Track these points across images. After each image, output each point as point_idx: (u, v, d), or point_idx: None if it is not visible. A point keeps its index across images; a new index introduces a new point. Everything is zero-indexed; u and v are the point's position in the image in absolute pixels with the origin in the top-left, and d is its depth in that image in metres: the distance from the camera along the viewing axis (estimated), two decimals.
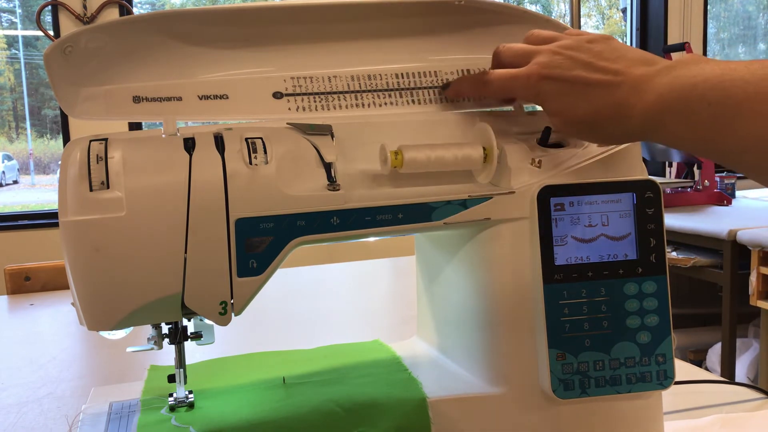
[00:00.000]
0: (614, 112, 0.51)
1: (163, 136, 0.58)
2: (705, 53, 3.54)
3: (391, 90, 0.65)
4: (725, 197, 2.67)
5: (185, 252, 0.53)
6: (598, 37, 0.55)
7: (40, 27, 2.68)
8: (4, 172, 4.20)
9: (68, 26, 2.73)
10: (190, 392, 0.65)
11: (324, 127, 0.59)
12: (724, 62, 0.47)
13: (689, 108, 0.46)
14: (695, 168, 2.73)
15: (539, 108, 0.67)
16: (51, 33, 2.73)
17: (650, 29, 3.55)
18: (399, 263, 1.63)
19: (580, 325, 0.60)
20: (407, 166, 0.57)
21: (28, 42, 3.44)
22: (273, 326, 1.13)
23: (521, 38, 0.59)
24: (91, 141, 0.55)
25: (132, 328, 0.58)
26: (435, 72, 0.66)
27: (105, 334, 0.61)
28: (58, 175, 0.55)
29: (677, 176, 2.88)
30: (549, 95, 0.54)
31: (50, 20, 2.76)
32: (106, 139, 0.55)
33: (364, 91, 0.64)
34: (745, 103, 0.44)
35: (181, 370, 0.63)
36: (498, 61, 0.59)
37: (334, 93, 0.64)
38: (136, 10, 2.88)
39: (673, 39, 3.44)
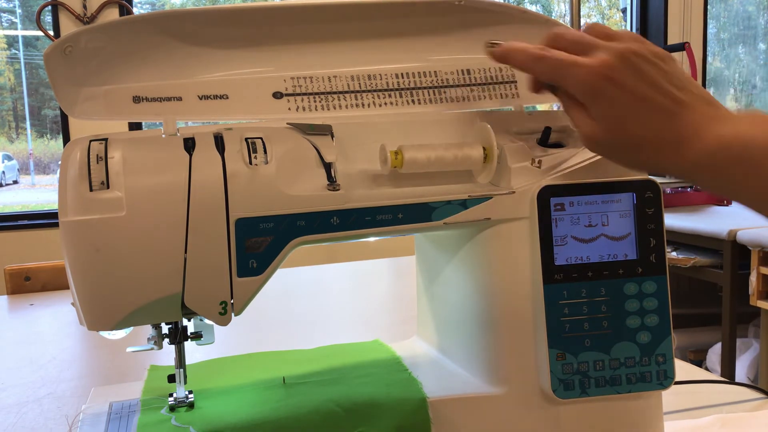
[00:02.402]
0: (668, 143, 0.49)
1: (163, 136, 0.58)
2: (705, 53, 3.54)
3: (391, 90, 0.65)
4: (725, 197, 2.66)
5: (185, 252, 0.53)
6: (664, 54, 0.52)
7: (40, 27, 2.68)
8: (4, 172, 4.20)
9: (68, 26, 2.73)
10: (190, 392, 0.65)
11: (324, 127, 0.59)
12: None
13: (753, 162, 0.45)
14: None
15: (539, 108, 0.67)
16: (51, 33, 2.73)
17: (650, 29, 3.55)
18: (399, 263, 1.63)
19: (580, 325, 0.60)
20: (407, 166, 0.57)
21: (28, 42, 3.44)
22: (273, 326, 1.13)
23: (521, 38, 0.59)
24: (91, 141, 0.55)
25: (132, 328, 0.58)
26: (435, 72, 0.66)
27: (105, 334, 0.61)
28: (58, 175, 0.55)
29: None
30: (605, 99, 0.50)
31: (50, 20, 2.76)
32: (106, 139, 0.55)
33: (364, 91, 0.64)
34: None
35: (181, 370, 0.63)
36: (552, 45, 0.54)
37: (334, 93, 0.64)
38: (136, 10, 2.88)
39: (673, 39, 3.44)
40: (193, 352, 0.73)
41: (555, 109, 0.66)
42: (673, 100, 0.49)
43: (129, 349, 0.66)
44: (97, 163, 0.53)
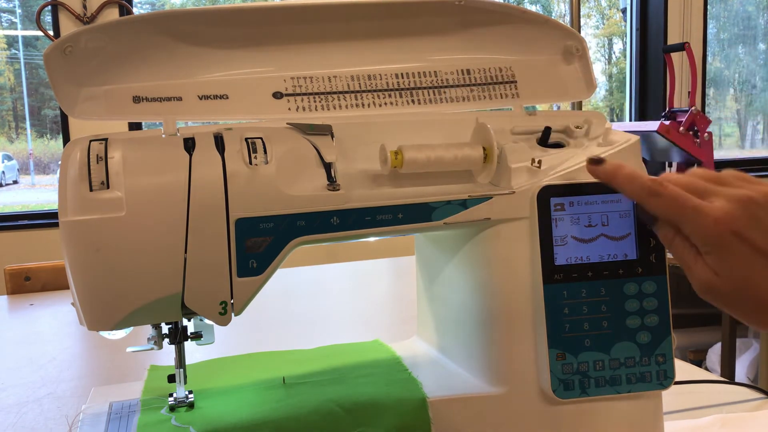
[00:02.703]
0: None
1: (163, 136, 0.58)
2: (705, 53, 3.54)
3: (391, 90, 0.65)
4: None
5: (185, 252, 0.53)
6: None
7: (40, 27, 2.68)
8: (4, 172, 4.20)
9: (68, 26, 2.73)
10: (190, 392, 0.65)
11: (324, 127, 0.59)
12: None
13: None
14: (695, 168, 2.73)
15: (539, 108, 0.67)
16: (51, 33, 2.72)
17: (650, 29, 3.55)
18: (399, 263, 1.63)
19: (580, 325, 0.60)
20: (407, 166, 0.57)
21: (28, 42, 3.44)
22: (273, 326, 1.13)
23: (521, 38, 0.58)
24: (91, 141, 0.55)
25: (132, 328, 0.58)
26: (435, 72, 0.66)
27: (105, 334, 0.61)
28: (58, 175, 0.55)
29: None
30: (732, 254, 0.46)
31: (50, 20, 2.76)
32: (106, 139, 0.55)
33: (364, 91, 0.64)
34: None
35: (181, 370, 0.63)
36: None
37: (334, 93, 0.64)
38: (136, 10, 2.88)
39: (673, 39, 3.44)
40: (193, 352, 0.73)
41: (555, 109, 0.66)
42: None
43: (129, 349, 0.66)
44: (97, 163, 0.53)
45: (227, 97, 0.62)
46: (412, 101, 0.65)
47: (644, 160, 2.58)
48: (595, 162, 0.53)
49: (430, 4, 0.65)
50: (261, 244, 0.55)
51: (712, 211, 0.47)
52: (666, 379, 0.61)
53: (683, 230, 0.49)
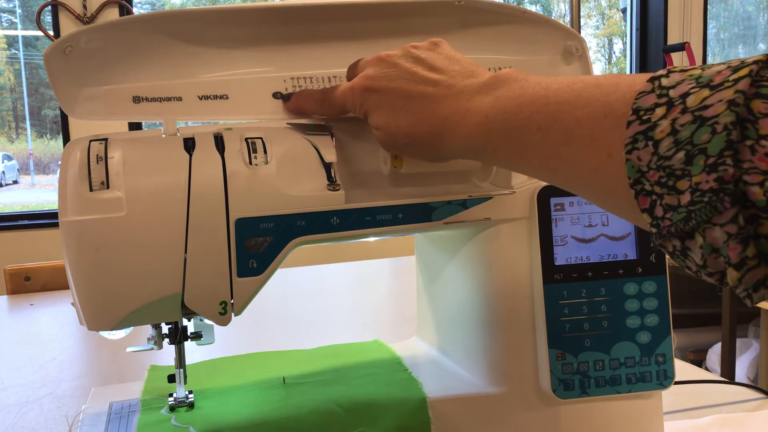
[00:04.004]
0: (435, 129, 0.48)
1: (163, 136, 0.58)
2: (705, 53, 3.54)
3: None
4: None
5: (185, 252, 0.53)
6: (426, 43, 0.52)
7: (40, 27, 2.68)
8: (4, 172, 4.20)
9: (68, 26, 2.73)
10: (190, 392, 0.65)
11: (324, 127, 0.59)
12: (544, 80, 0.43)
13: (517, 132, 0.43)
14: None
15: None
16: (51, 33, 2.73)
17: (650, 29, 3.55)
18: (399, 263, 1.63)
19: (580, 325, 0.60)
20: (407, 166, 0.57)
21: (28, 42, 3.44)
22: (273, 326, 1.13)
23: (521, 38, 0.59)
24: (91, 141, 0.55)
25: (132, 328, 0.58)
26: None
27: (105, 334, 0.61)
28: (58, 175, 0.55)
29: None
30: (371, 108, 0.51)
31: (50, 20, 2.76)
32: (106, 139, 0.55)
33: None
34: (576, 129, 0.40)
35: (181, 370, 0.63)
36: (349, 75, 0.57)
37: None
38: (136, 10, 2.88)
39: (673, 39, 3.44)
40: (193, 352, 0.73)
41: None
42: (430, 82, 0.49)
43: (129, 349, 0.66)
44: (97, 163, 0.53)
45: (227, 97, 0.62)
46: None
47: None
48: (285, 99, 0.60)
49: (430, 4, 0.65)
50: (261, 244, 0.55)
51: (350, 83, 0.53)
52: (666, 379, 0.61)
53: (350, 111, 0.55)
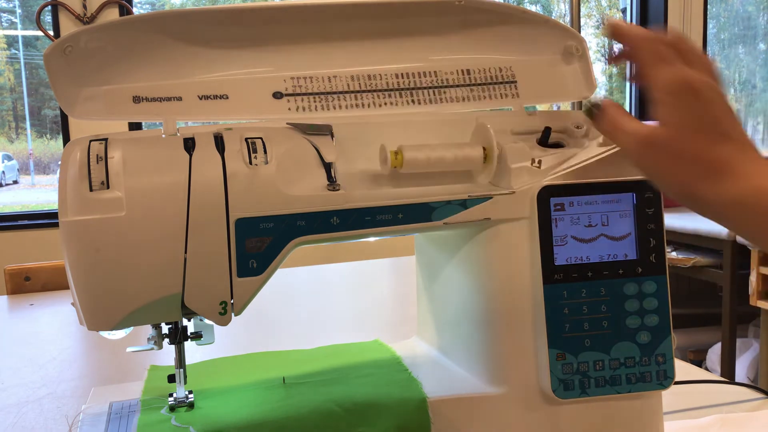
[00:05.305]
0: (718, 168, 0.47)
1: (163, 136, 0.58)
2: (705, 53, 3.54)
3: (391, 90, 0.65)
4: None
5: (185, 252, 0.53)
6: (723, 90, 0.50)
7: (40, 27, 2.68)
8: (4, 172, 4.20)
9: (68, 26, 2.73)
10: (190, 392, 0.65)
11: (324, 127, 0.59)
12: None
13: None
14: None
15: (540, 108, 0.67)
16: (51, 33, 2.72)
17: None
18: (399, 263, 1.63)
19: (580, 325, 0.60)
20: (407, 166, 0.57)
21: (28, 42, 3.44)
22: (273, 326, 1.13)
23: (521, 38, 0.58)
24: (91, 141, 0.55)
25: (132, 328, 0.58)
26: (435, 72, 0.66)
27: (105, 334, 0.61)
28: (58, 175, 0.55)
29: None
30: (686, 107, 0.49)
31: (50, 20, 2.76)
32: (106, 139, 0.55)
33: (364, 91, 0.64)
34: None
35: (181, 370, 0.63)
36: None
37: (334, 93, 0.64)
38: (136, 10, 2.88)
39: None
40: (193, 352, 0.73)
41: (555, 109, 0.66)
42: (727, 133, 0.48)
43: (129, 349, 0.66)
44: (97, 163, 0.53)
45: (227, 97, 0.62)
46: (412, 101, 0.65)
47: None
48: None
49: (430, 4, 0.65)
50: (261, 244, 0.55)
51: (682, 69, 0.50)
52: (666, 379, 0.61)
53: (649, 81, 0.51)
